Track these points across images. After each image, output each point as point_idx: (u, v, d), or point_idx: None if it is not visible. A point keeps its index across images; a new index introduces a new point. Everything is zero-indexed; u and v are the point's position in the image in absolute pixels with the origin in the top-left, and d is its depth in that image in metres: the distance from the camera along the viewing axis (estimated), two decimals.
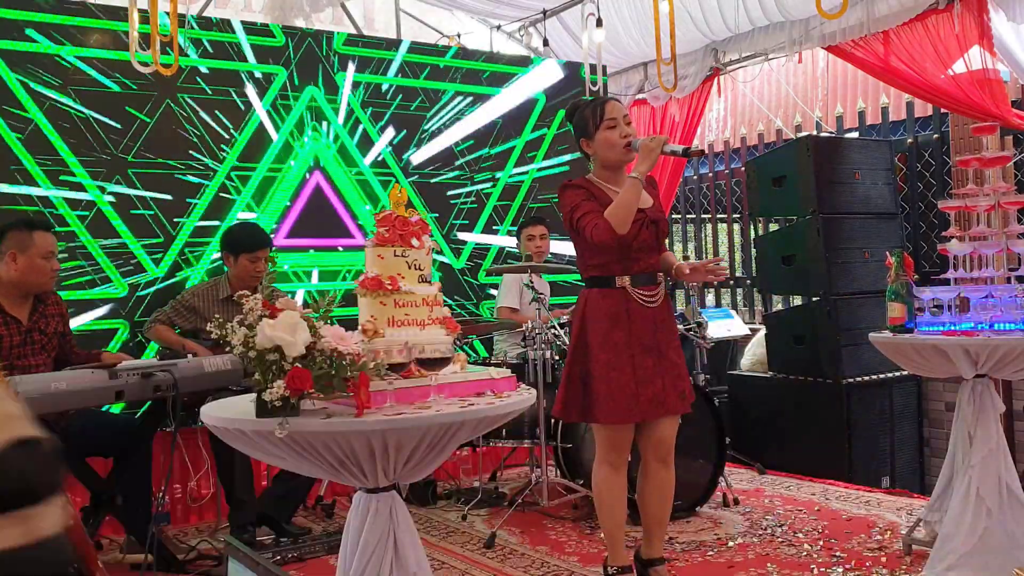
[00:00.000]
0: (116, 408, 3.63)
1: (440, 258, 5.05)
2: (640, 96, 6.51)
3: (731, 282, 6.80)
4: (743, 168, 5.78)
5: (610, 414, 2.79)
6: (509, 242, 5.25)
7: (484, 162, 5.25)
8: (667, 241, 3.11)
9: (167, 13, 3.68)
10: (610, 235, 2.72)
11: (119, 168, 4.20)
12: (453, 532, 3.93)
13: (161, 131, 4.30)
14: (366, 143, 4.88)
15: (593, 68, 5.25)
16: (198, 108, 4.40)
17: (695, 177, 6.87)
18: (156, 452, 3.62)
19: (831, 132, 5.77)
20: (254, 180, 4.54)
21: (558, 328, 4.20)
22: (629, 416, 2.80)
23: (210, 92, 4.43)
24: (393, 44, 5.05)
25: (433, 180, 5.08)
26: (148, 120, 4.27)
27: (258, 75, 4.56)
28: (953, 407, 3.15)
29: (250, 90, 4.54)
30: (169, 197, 4.31)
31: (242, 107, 4.51)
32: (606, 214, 2.73)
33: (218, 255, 4.17)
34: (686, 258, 4.97)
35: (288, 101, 4.65)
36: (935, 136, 5.28)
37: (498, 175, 5.30)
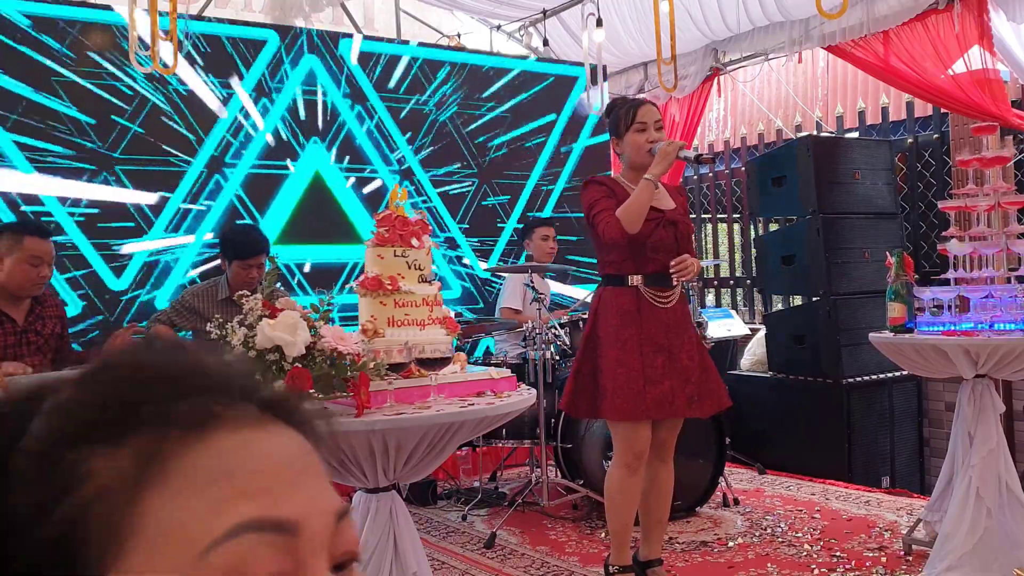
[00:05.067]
0: None
1: None
2: (640, 96, 6.50)
3: (731, 282, 6.80)
4: (743, 168, 5.78)
5: (617, 411, 2.80)
6: None
7: None
8: None
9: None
10: (620, 233, 2.74)
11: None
12: (453, 532, 3.93)
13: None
14: None
15: (593, 68, 5.24)
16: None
17: (695, 177, 6.87)
18: None
19: (831, 132, 5.76)
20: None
21: (558, 328, 4.20)
22: (635, 414, 2.79)
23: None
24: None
25: None
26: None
27: None
28: (953, 407, 3.15)
29: None
30: None
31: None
32: (617, 212, 2.77)
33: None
34: None
35: None
36: (935, 136, 5.28)
37: None
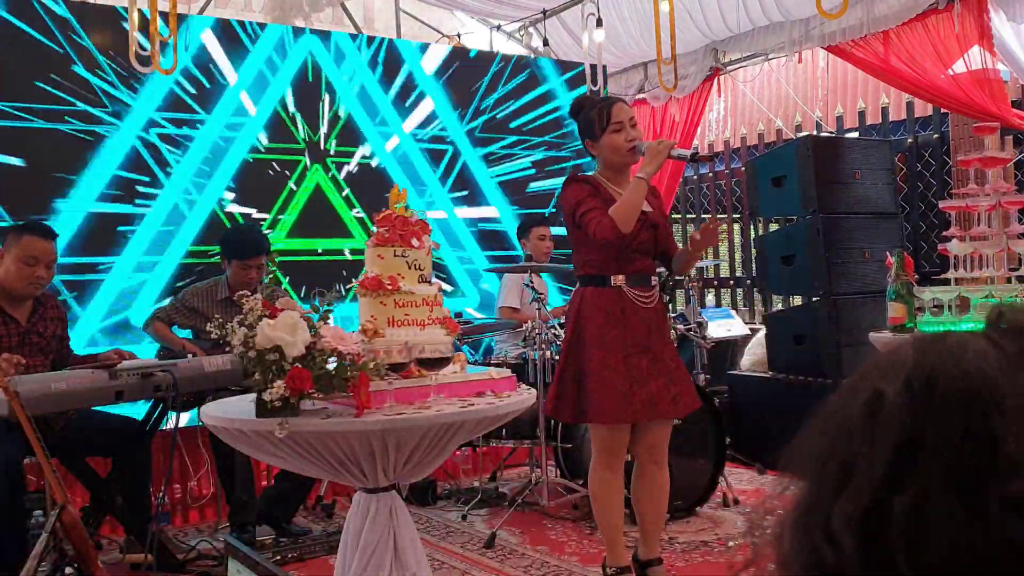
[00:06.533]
0: (116, 408, 3.63)
1: None
2: (640, 96, 6.50)
3: (731, 282, 6.80)
4: (743, 168, 5.78)
5: (603, 413, 2.78)
6: None
7: None
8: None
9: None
10: (614, 233, 2.71)
11: None
12: (453, 532, 3.93)
13: None
14: None
15: (593, 68, 5.24)
16: None
17: (695, 177, 6.87)
18: (156, 452, 3.62)
19: (831, 132, 5.76)
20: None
21: (558, 328, 4.20)
22: (621, 416, 2.79)
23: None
24: None
25: None
26: None
27: None
28: None
29: None
30: None
31: None
32: (611, 211, 2.73)
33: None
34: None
35: None
36: (935, 136, 5.28)
37: None
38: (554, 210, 5.29)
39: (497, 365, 4.01)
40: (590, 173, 3.00)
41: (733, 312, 6.12)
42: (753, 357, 5.48)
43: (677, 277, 3.15)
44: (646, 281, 2.87)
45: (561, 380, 2.89)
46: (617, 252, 2.81)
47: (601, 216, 2.74)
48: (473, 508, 4.21)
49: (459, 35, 6.19)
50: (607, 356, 2.79)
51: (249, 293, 1.90)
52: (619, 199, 2.77)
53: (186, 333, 3.95)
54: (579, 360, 2.84)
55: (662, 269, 3.17)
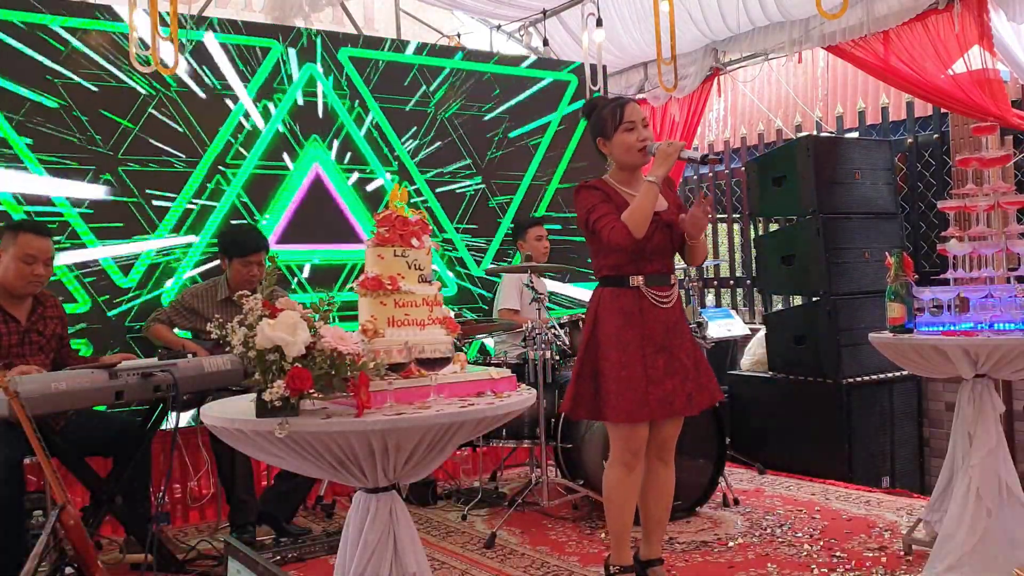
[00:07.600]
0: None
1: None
2: (640, 96, 6.50)
3: (731, 282, 6.80)
4: (743, 168, 5.79)
5: (620, 412, 2.79)
6: None
7: None
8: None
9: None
10: (627, 238, 2.73)
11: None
12: (453, 532, 3.93)
13: None
14: None
15: (593, 68, 5.25)
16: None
17: (695, 177, 6.88)
18: (156, 452, 3.62)
19: (831, 132, 5.76)
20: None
21: (558, 328, 4.20)
22: (639, 415, 2.79)
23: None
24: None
25: None
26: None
27: None
28: (953, 407, 3.15)
29: None
30: None
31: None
32: (623, 217, 2.75)
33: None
34: None
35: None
36: (935, 136, 5.28)
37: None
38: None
39: (497, 365, 4.01)
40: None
41: (733, 312, 6.13)
42: (753, 357, 5.49)
43: (693, 268, 3.16)
44: (665, 281, 2.89)
45: (578, 380, 2.91)
46: (633, 254, 2.82)
47: (614, 222, 2.76)
48: (473, 508, 4.22)
49: (459, 35, 6.19)
50: (624, 356, 2.80)
51: (249, 292, 1.90)
52: (631, 204, 2.78)
53: (185, 334, 3.95)
54: (595, 360, 2.86)
55: (681, 266, 3.16)
